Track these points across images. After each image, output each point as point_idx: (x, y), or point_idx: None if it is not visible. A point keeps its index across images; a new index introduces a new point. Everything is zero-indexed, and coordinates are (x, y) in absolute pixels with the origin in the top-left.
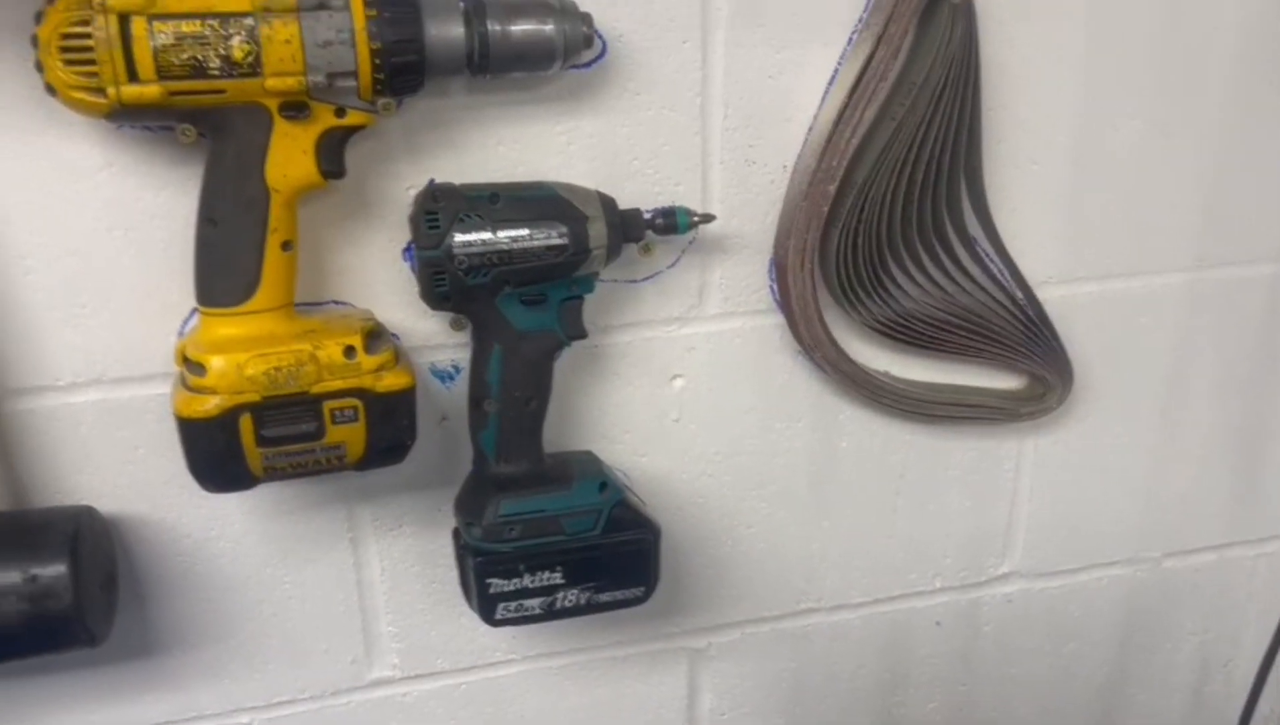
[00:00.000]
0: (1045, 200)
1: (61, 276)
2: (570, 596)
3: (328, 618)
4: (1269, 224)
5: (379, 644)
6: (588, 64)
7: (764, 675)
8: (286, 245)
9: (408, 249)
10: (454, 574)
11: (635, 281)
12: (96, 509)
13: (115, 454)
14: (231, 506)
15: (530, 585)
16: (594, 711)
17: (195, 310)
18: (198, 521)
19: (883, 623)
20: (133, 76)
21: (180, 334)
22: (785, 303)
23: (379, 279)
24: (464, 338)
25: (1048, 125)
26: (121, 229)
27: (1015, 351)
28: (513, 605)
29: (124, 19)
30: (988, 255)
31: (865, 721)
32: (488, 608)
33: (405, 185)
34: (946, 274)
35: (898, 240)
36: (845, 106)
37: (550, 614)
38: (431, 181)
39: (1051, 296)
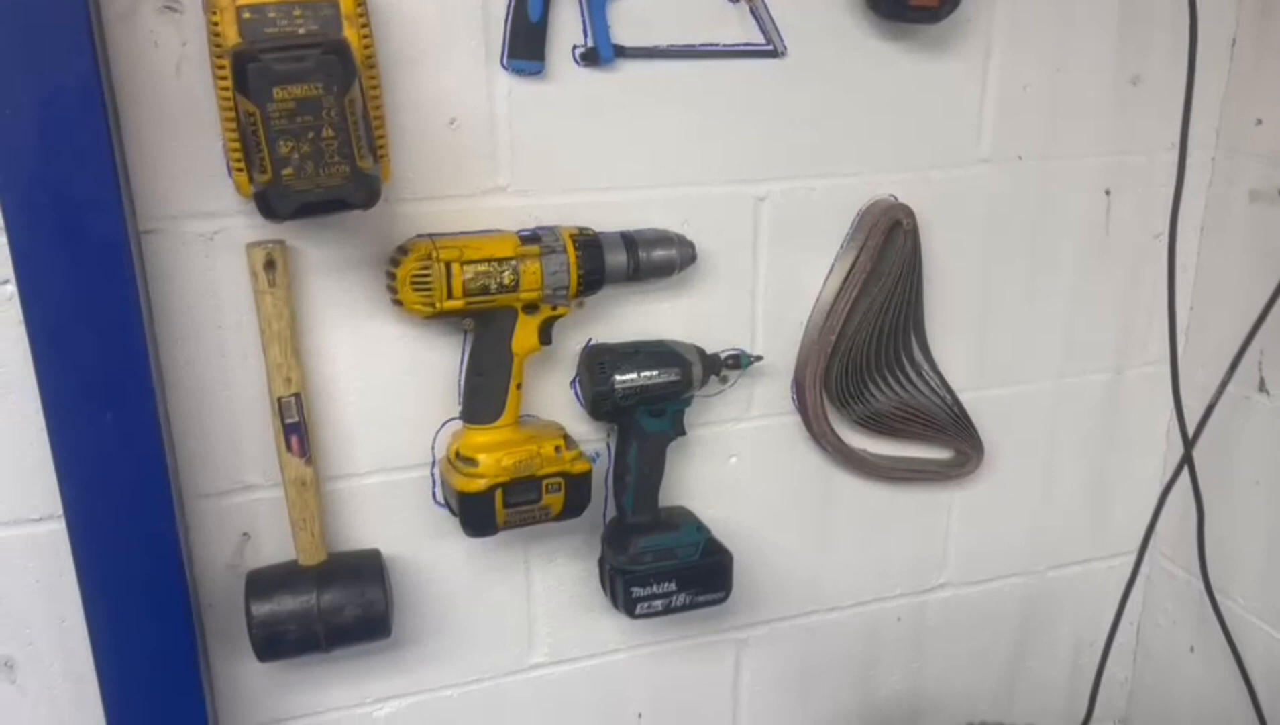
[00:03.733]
0: (963, 337)
1: (368, 405)
2: (680, 598)
3: (506, 621)
4: (1103, 348)
5: (537, 639)
6: (687, 267)
7: (783, 658)
8: (519, 386)
9: (573, 381)
10: (588, 589)
11: (709, 396)
12: (380, 550)
13: (388, 515)
14: (454, 548)
15: (657, 592)
16: (671, 683)
17: (445, 422)
18: (433, 558)
19: (861, 619)
20: (450, 296)
21: (433, 439)
22: (802, 407)
23: (556, 400)
24: (601, 434)
25: (962, 292)
26: (406, 374)
27: (946, 434)
28: (646, 605)
29: (448, 264)
30: (928, 374)
31: (851, 690)
32: (631, 607)
33: (574, 343)
34: (903, 386)
35: (872, 367)
36: (840, 288)
37: (668, 610)
38: (590, 341)
39: (968, 398)
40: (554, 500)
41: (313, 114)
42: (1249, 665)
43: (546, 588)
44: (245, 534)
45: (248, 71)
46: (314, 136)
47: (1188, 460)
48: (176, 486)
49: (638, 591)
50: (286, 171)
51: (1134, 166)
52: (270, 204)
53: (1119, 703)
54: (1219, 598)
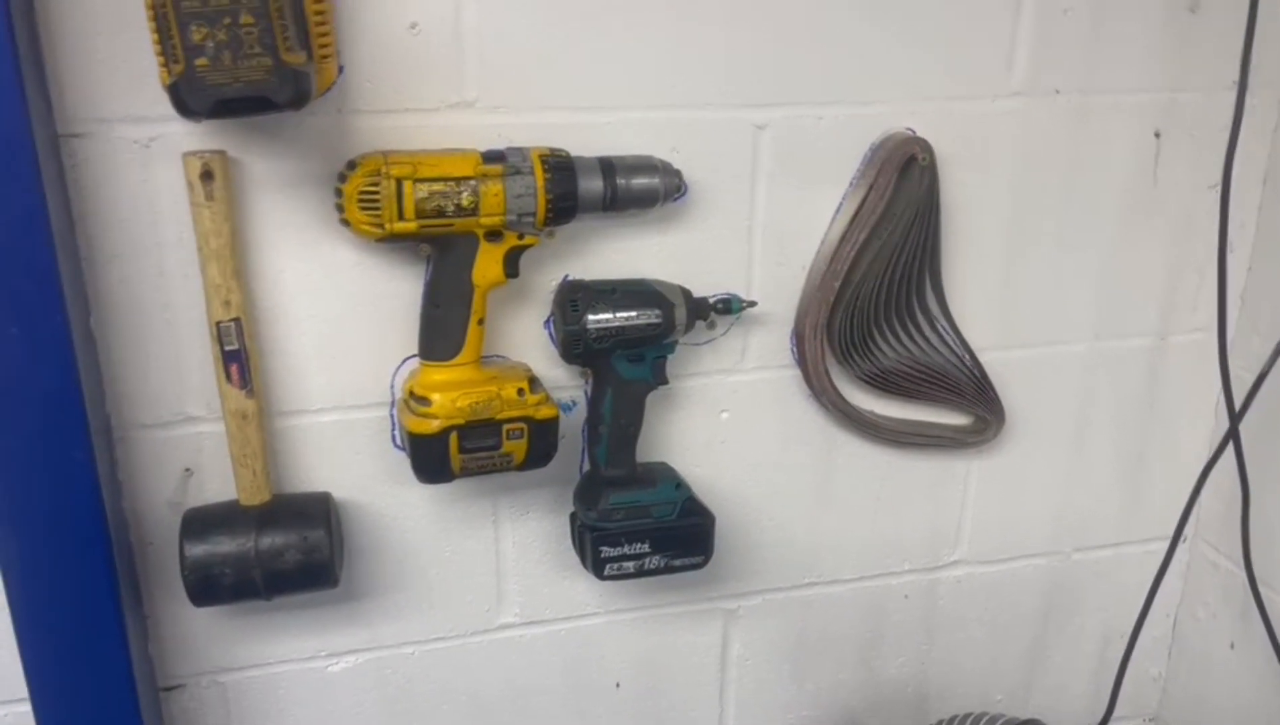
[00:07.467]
0: (985, 291)
1: (321, 336)
2: (654, 561)
3: (472, 578)
4: (1145, 311)
5: (506, 598)
6: (675, 199)
7: (777, 631)
8: (481, 321)
9: (547, 321)
10: (563, 547)
11: (698, 344)
12: (331, 494)
13: (343, 457)
14: (415, 496)
15: (628, 552)
16: (653, 653)
17: (406, 359)
18: (392, 506)
19: (865, 595)
20: (400, 217)
21: (393, 377)
22: (801, 361)
23: (527, 340)
24: (579, 381)
25: (986, 240)
26: (363, 306)
27: (963, 397)
28: (616, 566)
29: (399, 181)
30: (944, 329)
31: (852, 670)
32: (599, 567)
33: (549, 279)
34: (915, 342)
35: (881, 318)
36: (847, 230)
37: (640, 573)
38: (566, 277)
39: (989, 359)
40: (516, 447)
41: None
42: None
43: (518, 543)
44: (188, 470)
45: None
46: (231, 23)
47: (1233, 435)
48: (103, 413)
49: (607, 551)
50: (200, 62)
51: (1188, 106)
52: (183, 98)
53: (1150, 700)
54: (1264, 591)
